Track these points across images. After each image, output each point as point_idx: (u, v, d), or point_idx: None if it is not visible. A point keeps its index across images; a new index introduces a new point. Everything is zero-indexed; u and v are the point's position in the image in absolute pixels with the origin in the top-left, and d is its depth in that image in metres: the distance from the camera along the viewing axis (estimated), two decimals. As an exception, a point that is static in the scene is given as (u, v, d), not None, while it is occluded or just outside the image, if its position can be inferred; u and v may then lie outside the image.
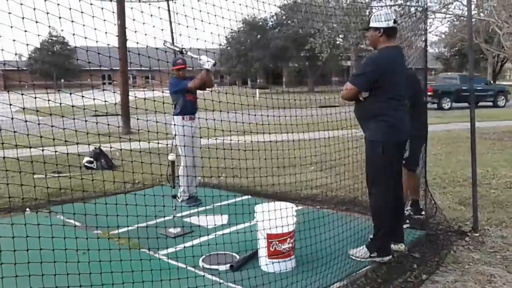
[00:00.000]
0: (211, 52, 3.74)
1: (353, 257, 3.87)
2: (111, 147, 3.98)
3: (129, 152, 4.14)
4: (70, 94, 2.83)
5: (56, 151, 2.82)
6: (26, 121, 2.62)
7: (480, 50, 38.64)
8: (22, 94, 2.59)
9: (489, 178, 7.08)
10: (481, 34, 30.95)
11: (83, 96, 2.88)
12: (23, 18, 2.58)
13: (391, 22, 3.76)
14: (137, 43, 3.12)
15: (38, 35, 2.72)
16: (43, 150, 2.86)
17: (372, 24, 3.82)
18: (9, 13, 2.51)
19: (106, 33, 2.91)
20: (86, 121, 2.93)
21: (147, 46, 3.21)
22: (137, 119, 3.75)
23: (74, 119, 2.81)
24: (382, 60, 3.83)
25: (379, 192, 3.84)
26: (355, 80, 3.82)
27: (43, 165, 3.85)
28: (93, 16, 2.94)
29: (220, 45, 5.11)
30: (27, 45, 2.59)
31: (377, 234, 3.87)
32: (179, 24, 3.38)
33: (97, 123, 2.94)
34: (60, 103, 2.79)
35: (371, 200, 3.97)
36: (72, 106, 2.86)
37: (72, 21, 2.81)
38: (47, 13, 2.57)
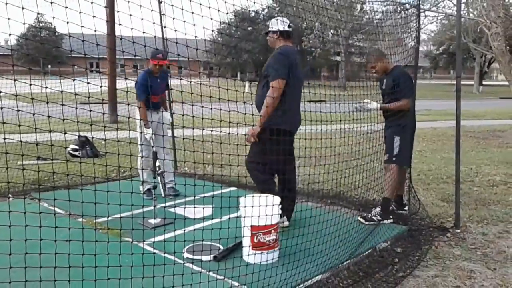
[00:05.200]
0: (195, 48, 3.73)
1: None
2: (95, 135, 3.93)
3: (114, 141, 4.10)
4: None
5: (49, 134, 2.77)
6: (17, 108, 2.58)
7: (468, 50, 39.08)
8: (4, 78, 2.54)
9: (473, 175, 7.19)
10: (470, 34, 31.25)
11: (74, 80, 2.83)
12: (6, 4, 2.51)
13: (286, 26, 4.31)
14: (122, 37, 3.06)
15: (24, 23, 2.65)
16: (36, 132, 2.79)
17: (270, 28, 4.34)
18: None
19: (94, 17, 2.84)
20: (76, 108, 2.87)
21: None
22: (128, 104, 3.72)
23: (54, 105, 2.77)
24: (286, 53, 4.18)
25: (254, 169, 4.41)
26: (282, 75, 4.05)
27: (26, 152, 3.80)
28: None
29: (211, 36, 5.06)
30: (12, 35, 2.52)
31: None
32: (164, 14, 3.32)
33: (90, 110, 2.90)
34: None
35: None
36: (50, 92, 2.81)
37: (52, 3, 2.75)
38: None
